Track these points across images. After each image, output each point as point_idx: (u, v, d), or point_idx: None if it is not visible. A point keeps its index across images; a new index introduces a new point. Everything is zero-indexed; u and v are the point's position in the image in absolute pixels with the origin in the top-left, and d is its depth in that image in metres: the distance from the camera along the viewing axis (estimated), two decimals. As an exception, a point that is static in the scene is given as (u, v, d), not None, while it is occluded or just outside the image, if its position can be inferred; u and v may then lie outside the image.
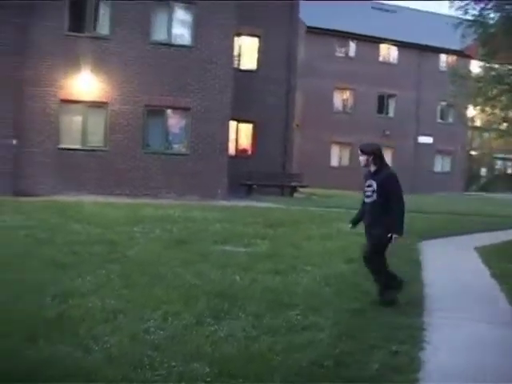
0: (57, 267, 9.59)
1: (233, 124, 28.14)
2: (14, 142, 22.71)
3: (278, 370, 5.83)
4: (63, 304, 7.50)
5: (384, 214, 8.37)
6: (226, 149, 25.98)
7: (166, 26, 25.06)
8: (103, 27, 24.44)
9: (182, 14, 25.43)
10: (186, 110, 25.21)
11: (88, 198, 21.24)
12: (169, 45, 24.93)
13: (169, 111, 25.32)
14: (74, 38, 23.62)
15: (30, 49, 22.99)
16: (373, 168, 8.59)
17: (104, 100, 24.05)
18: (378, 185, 8.44)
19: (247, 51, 30.99)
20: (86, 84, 23.52)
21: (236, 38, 27.15)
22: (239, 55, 30.28)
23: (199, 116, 25.15)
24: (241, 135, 31.31)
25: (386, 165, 8.71)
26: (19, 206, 18.11)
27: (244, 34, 29.97)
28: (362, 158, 8.66)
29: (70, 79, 23.43)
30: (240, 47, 30.20)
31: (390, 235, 8.28)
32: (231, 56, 26.24)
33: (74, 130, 23.97)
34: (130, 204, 20.36)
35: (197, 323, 7.07)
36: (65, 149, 23.48)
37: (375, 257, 8.52)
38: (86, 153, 23.77)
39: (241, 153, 31.15)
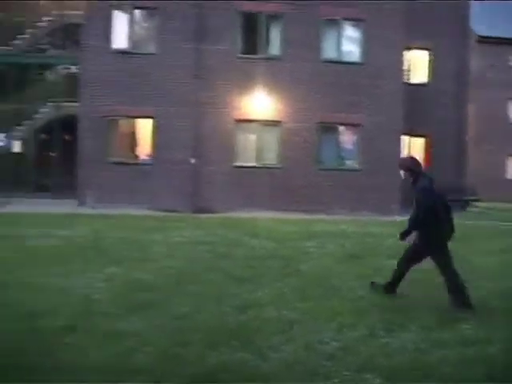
0: (236, 280, 10.05)
1: (405, 138, 27.94)
2: (193, 160, 23.76)
3: (448, 381, 5.93)
4: (242, 315, 7.91)
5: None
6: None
7: (336, 43, 25.32)
8: (274, 48, 25.08)
9: (351, 31, 25.63)
10: (357, 126, 25.34)
11: (263, 214, 21.84)
12: (339, 62, 25.19)
13: (341, 128, 25.51)
14: (247, 60, 24.49)
15: (206, 72, 24.06)
16: (412, 180, 9.32)
17: (277, 118, 24.65)
18: (415, 198, 9.10)
19: (418, 65, 30.67)
20: (259, 103, 24.25)
21: (406, 52, 27.02)
22: (409, 69, 30.02)
23: (371, 132, 25.21)
24: (413, 149, 30.95)
25: (422, 177, 9.26)
26: (199, 222, 18.97)
27: (414, 48, 29.67)
28: (402, 173, 9.61)
29: (244, 99, 24.29)
30: (410, 61, 29.93)
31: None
32: (401, 70, 26.14)
33: (249, 149, 24.73)
34: (303, 219, 20.77)
35: (370, 335, 7.26)
36: (240, 166, 24.32)
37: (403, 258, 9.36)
38: (260, 170, 24.46)
39: (414, 167, 30.74)
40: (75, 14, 26.51)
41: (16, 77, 26.00)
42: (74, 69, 27.39)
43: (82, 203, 23.68)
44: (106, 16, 24.37)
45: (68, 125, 25.87)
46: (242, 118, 24.44)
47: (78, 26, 25.53)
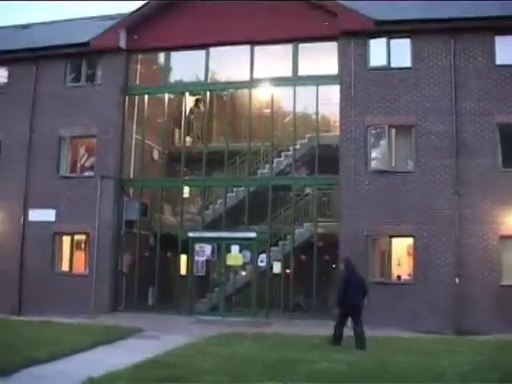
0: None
1: None
2: (457, 280, 22.95)
3: None
4: None
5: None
6: None
7: None
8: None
9: None
10: None
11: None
12: None
13: None
14: (509, 173, 23.53)
15: (466, 187, 23.66)
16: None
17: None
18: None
19: None
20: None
21: None
22: None
23: None
24: None
25: (344, 271, 17.32)
26: (473, 345, 17.88)
27: None
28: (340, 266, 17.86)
29: (508, 215, 23.20)
30: None
31: None
32: None
33: (516, 267, 23.40)
34: None
35: None
36: (507, 286, 22.91)
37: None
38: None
39: None
40: (329, 135, 27.14)
41: (271, 198, 26.71)
42: (324, 189, 27.72)
43: (341, 324, 23.44)
44: (362, 136, 24.79)
45: (324, 244, 26.10)
46: (507, 234, 23.23)
47: (330, 146, 26.06)
